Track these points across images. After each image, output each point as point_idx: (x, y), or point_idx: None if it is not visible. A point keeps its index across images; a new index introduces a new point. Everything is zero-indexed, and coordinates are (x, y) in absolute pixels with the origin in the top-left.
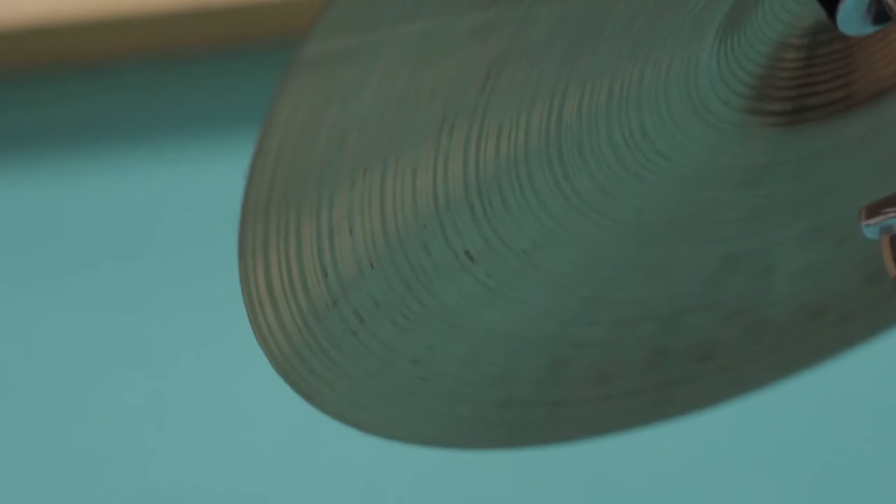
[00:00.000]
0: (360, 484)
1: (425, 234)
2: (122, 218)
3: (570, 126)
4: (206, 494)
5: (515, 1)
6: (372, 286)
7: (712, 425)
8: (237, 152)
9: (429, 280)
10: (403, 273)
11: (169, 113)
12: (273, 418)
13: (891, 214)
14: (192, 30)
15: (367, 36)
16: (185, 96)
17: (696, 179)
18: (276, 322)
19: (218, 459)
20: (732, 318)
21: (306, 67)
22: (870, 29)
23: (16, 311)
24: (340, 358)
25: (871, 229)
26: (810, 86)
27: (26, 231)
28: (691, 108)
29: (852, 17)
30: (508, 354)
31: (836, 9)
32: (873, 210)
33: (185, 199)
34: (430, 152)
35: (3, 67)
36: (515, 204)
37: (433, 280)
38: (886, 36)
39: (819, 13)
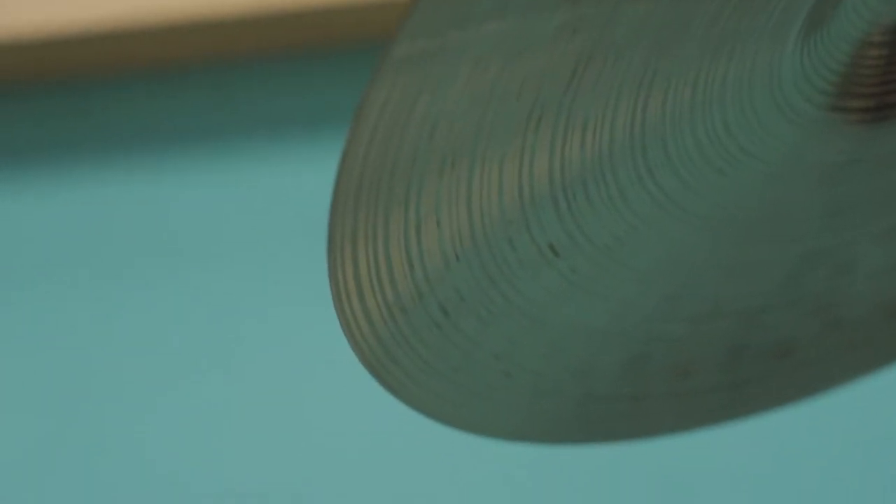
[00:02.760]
0: (443, 481)
1: (510, 229)
2: (200, 218)
3: (654, 122)
4: (285, 494)
5: None
6: (457, 279)
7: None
8: (312, 154)
9: (513, 274)
10: (488, 267)
11: (240, 116)
12: (356, 416)
13: None
14: (262, 34)
15: (456, 33)
16: (256, 100)
17: (778, 176)
18: (362, 314)
19: (299, 459)
20: (811, 316)
21: (396, 63)
22: None
23: (93, 312)
24: (425, 351)
25: None
26: (892, 83)
27: (102, 231)
28: (774, 105)
29: None
30: (589, 349)
31: None
32: None
33: (263, 200)
34: (516, 147)
35: (81, 70)
36: (599, 199)
37: (517, 274)
38: None
39: None
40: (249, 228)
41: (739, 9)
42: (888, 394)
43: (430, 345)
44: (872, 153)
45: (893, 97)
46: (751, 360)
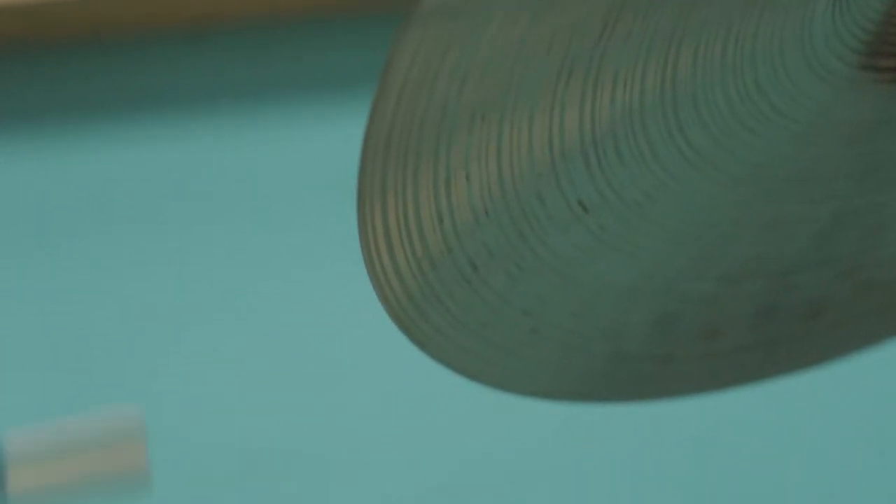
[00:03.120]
0: (471, 438)
1: (540, 184)
2: (232, 178)
3: (684, 78)
4: (310, 451)
5: None
6: (486, 234)
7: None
8: (343, 111)
9: (542, 230)
10: (518, 222)
11: (273, 74)
12: (384, 372)
13: None
14: None
15: None
16: (288, 59)
17: (809, 135)
18: (391, 268)
19: (325, 415)
20: (842, 277)
21: (425, 16)
22: None
23: (136, 270)
24: (454, 306)
25: None
26: None
27: (136, 187)
28: (805, 62)
29: None
30: (619, 308)
31: None
32: None
33: (292, 161)
34: (546, 101)
35: (113, 30)
36: (629, 155)
37: (547, 230)
38: None
39: None
40: (281, 184)
41: None
42: None
43: (458, 300)
44: None
45: None
46: (781, 320)
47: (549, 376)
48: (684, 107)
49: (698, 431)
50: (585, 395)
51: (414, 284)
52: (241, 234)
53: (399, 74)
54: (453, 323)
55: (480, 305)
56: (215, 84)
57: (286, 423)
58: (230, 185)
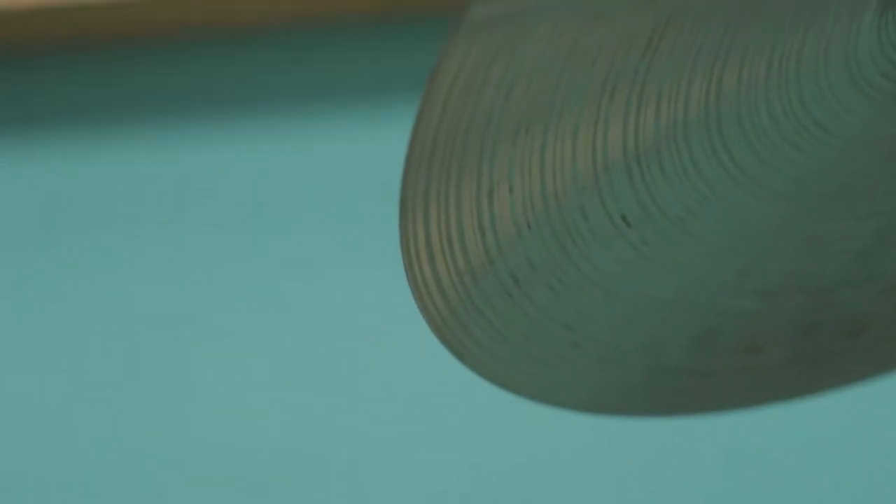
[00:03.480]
0: (507, 451)
1: (583, 198)
2: (278, 178)
3: (729, 94)
4: (342, 458)
5: None
6: (528, 248)
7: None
8: (388, 118)
9: (585, 244)
10: (560, 236)
11: (320, 79)
12: (422, 383)
13: None
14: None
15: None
16: (333, 64)
17: (852, 151)
18: (432, 279)
19: (360, 423)
20: (885, 294)
21: (473, 26)
22: None
23: (174, 268)
24: (495, 319)
25: None
26: None
27: (181, 188)
28: (849, 78)
29: None
30: (659, 322)
31: None
32: None
33: (341, 165)
34: (590, 114)
35: (157, 32)
36: (673, 170)
37: (589, 244)
38: None
39: None
40: (324, 190)
41: None
42: None
43: (500, 312)
44: None
45: None
46: (822, 337)
47: (587, 389)
48: (728, 122)
49: (734, 445)
50: (623, 408)
51: (455, 297)
52: (283, 237)
53: (445, 83)
54: (494, 336)
55: (522, 319)
56: (261, 87)
57: (311, 427)
58: (272, 189)
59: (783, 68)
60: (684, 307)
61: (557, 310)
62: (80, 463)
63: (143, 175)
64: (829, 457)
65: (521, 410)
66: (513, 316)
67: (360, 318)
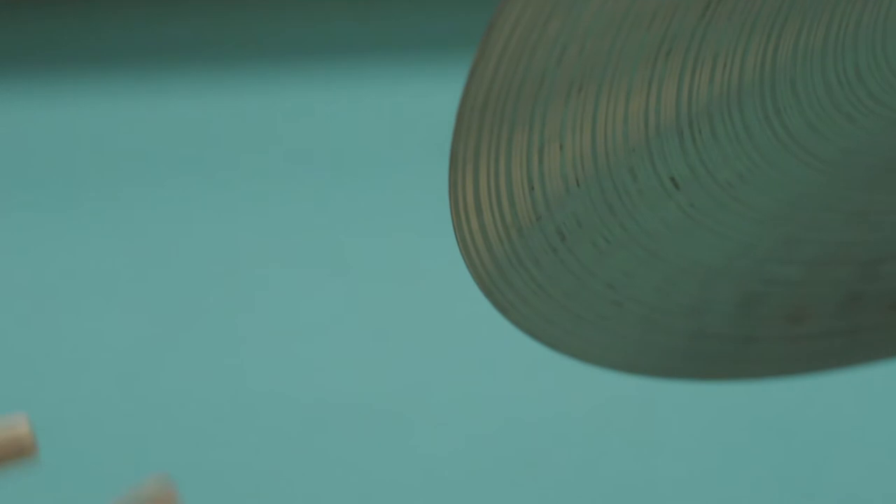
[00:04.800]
0: (547, 408)
1: (633, 158)
2: (331, 131)
3: (784, 60)
4: (386, 410)
5: None
6: (576, 205)
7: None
8: (441, 74)
9: (632, 204)
10: (608, 195)
11: (373, 35)
12: (465, 337)
13: None
14: None
15: None
16: (390, 18)
17: None
18: (479, 232)
19: (402, 375)
20: None
21: None
22: None
23: (220, 218)
24: (539, 275)
25: None
26: None
27: (239, 138)
28: None
29: None
30: (703, 287)
31: None
32: None
33: (394, 119)
34: (644, 76)
35: None
36: (724, 135)
37: (637, 205)
38: None
39: None
40: (376, 143)
41: None
42: None
43: (544, 268)
44: None
45: None
46: (865, 309)
47: (628, 350)
48: (782, 89)
49: (777, 412)
50: (664, 371)
51: (500, 250)
52: (334, 188)
53: (500, 40)
54: (537, 291)
55: (565, 275)
56: (318, 39)
57: (358, 378)
58: (324, 138)
59: (840, 38)
60: (729, 273)
61: (601, 268)
62: (135, 409)
63: (200, 120)
64: (863, 430)
65: (561, 367)
66: (557, 272)
67: (406, 271)
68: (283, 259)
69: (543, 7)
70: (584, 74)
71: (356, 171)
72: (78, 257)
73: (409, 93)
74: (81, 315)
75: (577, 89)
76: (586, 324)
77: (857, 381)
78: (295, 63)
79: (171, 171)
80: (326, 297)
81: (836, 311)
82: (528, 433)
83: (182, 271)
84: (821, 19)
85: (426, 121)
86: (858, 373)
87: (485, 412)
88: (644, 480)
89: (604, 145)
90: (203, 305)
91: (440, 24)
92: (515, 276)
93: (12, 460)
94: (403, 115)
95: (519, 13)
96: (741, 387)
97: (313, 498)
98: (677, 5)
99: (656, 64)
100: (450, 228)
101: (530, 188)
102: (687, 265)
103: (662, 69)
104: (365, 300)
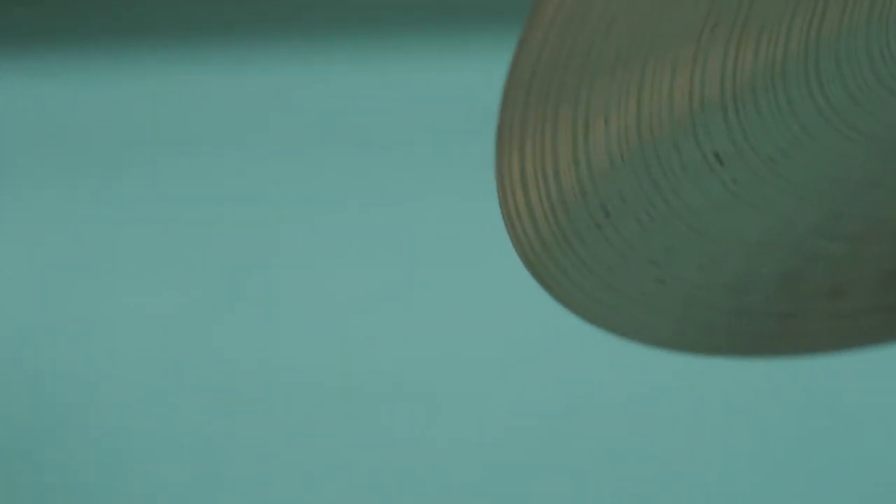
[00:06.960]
0: (588, 386)
1: (677, 133)
2: (377, 106)
3: (829, 35)
4: (423, 387)
5: None
6: (621, 181)
7: None
8: (488, 48)
9: (676, 180)
10: (652, 170)
11: (419, 9)
12: (508, 314)
13: None
14: None
15: None
16: None
17: None
18: (525, 208)
19: (440, 352)
20: None
21: None
22: None
23: (256, 189)
24: (583, 251)
25: None
26: None
27: (282, 113)
28: None
29: None
30: (745, 262)
31: None
32: None
33: (441, 93)
34: (690, 50)
35: None
36: (768, 110)
37: (680, 180)
38: None
39: None
40: (422, 118)
41: None
42: None
43: (588, 244)
44: None
45: None
46: None
47: (670, 327)
48: (826, 64)
49: (819, 388)
50: (706, 348)
51: (545, 226)
52: (378, 162)
53: (547, 14)
54: (580, 267)
55: (609, 251)
56: (362, 14)
57: (395, 352)
58: (370, 115)
59: (885, 12)
60: (771, 248)
61: (645, 244)
62: (176, 381)
63: (242, 96)
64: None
65: (604, 344)
66: (600, 248)
67: (451, 247)
68: (323, 234)
69: None
70: (631, 49)
71: (398, 145)
72: (123, 229)
73: (453, 67)
74: (123, 287)
75: (623, 64)
76: (628, 300)
77: None
78: (335, 37)
79: (210, 145)
80: (366, 271)
81: (878, 287)
82: (562, 409)
83: (224, 245)
84: None
85: (471, 94)
86: None
87: (519, 388)
88: (682, 466)
89: (648, 120)
90: (244, 281)
91: None
92: (559, 252)
93: None
94: (448, 89)
95: None
96: (784, 371)
97: (352, 473)
98: None
99: (701, 39)
100: (495, 202)
101: (576, 164)
102: (729, 241)
103: (708, 44)
104: (407, 275)
